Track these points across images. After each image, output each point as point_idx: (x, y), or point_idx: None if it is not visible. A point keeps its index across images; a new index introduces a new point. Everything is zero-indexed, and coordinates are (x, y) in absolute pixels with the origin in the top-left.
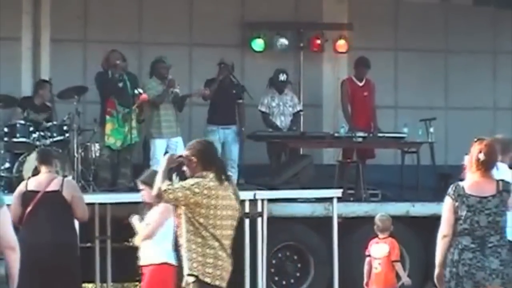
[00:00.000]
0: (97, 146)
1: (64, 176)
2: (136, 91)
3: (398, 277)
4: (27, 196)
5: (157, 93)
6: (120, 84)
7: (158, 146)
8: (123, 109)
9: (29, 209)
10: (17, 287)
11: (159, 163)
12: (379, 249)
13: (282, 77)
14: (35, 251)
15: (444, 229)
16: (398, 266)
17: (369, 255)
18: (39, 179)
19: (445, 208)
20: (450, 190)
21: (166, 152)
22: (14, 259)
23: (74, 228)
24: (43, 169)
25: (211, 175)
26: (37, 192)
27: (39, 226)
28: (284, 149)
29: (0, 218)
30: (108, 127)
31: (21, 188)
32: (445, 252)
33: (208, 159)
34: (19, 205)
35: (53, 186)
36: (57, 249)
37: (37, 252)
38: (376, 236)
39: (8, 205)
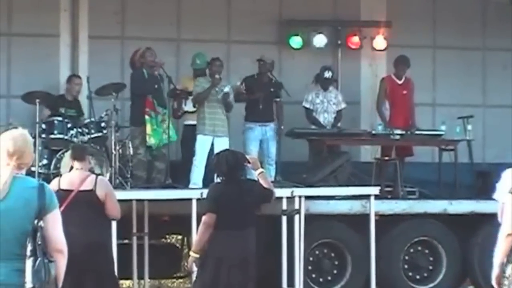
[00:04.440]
0: (133, 144)
1: (98, 174)
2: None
3: None
4: (60, 195)
5: (201, 90)
6: (158, 84)
7: (200, 142)
8: (161, 109)
9: (62, 208)
10: None
11: (199, 160)
12: None
13: (327, 74)
14: (69, 251)
15: (508, 227)
16: None
17: None
18: (72, 177)
19: (509, 206)
20: None
21: (211, 150)
22: (63, 262)
23: (108, 227)
24: (76, 165)
25: None
26: (70, 191)
27: (72, 226)
28: (322, 146)
29: (50, 221)
30: (148, 127)
31: (53, 186)
32: (508, 252)
33: None
34: None
35: (87, 185)
36: (91, 249)
37: (71, 252)
38: None
39: None
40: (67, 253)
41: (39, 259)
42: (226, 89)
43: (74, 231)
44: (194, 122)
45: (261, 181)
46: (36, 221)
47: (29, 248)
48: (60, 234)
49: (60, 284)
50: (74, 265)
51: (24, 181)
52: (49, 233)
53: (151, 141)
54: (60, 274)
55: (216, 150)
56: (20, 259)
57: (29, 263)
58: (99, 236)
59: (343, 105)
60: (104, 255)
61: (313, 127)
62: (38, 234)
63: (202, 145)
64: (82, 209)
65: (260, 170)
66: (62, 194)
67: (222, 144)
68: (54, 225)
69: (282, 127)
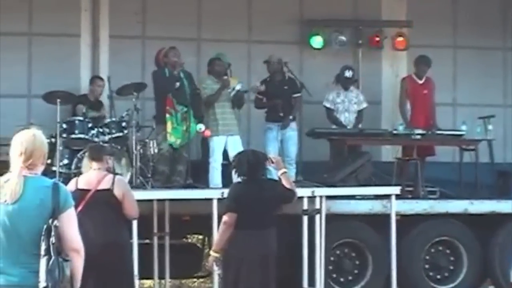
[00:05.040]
0: (154, 143)
1: (116, 174)
2: (198, 128)
3: None
4: (77, 195)
5: (211, 91)
6: (178, 83)
7: (216, 143)
8: (181, 108)
9: (79, 208)
10: None
11: (217, 160)
12: None
13: (348, 73)
14: (85, 251)
15: None
16: None
17: None
18: (90, 177)
19: None
20: None
21: (225, 150)
22: (78, 261)
23: (126, 226)
24: (94, 165)
25: None
26: (88, 190)
27: (89, 225)
28: (342, 146)
29: (66, 219)
30: (169, 125)
31: (71, 186)
32: None
33: None
34: None
35: (104, 185)
36: (108, 249)
37: (88, 252)
38: None
39: None
40: (83, 252)
41: (53, 258)
42: (238, 87)
43: (92, 230)
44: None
45: (284, 181)
46: (50, 220)
47: (43, 247)
48: (75, 233)
49: (78, 283)
50: (92, 264)
51: (38, 181)
52: (64, 232)
53: (171, 139)
54: (77, 273)
55: (229, 149)
56: (37, 260)
57: (43, 262)
58: (116, 236)
59: (364, 105)
60: (122, 254)
61: (333, 126)
62: (52, 233)
63: (218, 146)
64: (100, 208)
65: (283, 170)
66: (80, 193)
67: (235, 142)
68: (69, 224)
69: (291, 117)
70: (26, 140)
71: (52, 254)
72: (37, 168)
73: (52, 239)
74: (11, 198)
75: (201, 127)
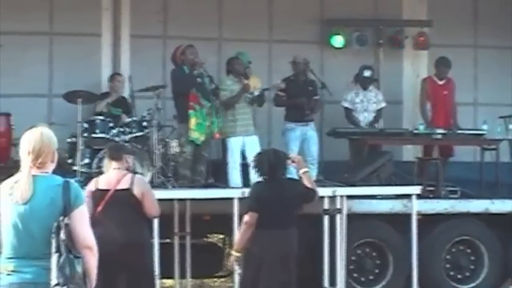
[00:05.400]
0: (176, 142)
1: (139, 173)
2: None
3: None
4: (97, 195)
5: (231, 92)
6: (200, 80)
7: (234, 143)
8: (206, 102)
9: (99, 208)
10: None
11: (236, 161)
12: None
13: (367, 73)
14: (106, 251)
15: None
16: None
17: None
18: (109, 177)
19: None
20: None
21: (242, 150)
22: (93, 258)
23: (146, 226)
24: (113, 165)
25: None
26: (107, 190)
27: (109, 225)
28: (363, 145)
29: (77, 217)
30: (193, 121)
31: (91, 186)
32: None
33: None
34: (90, 203)
35: (123, 184)
36: (129, 248)
37: (108, 252)
38: None
39: None
40: (96, 249)
41: (64, 255)
42: (257, 93)
43: (112, 230)
44: None
45: (305, 181)
46: (61, 218)
47: (53, 244)
48: (87, 230)
49: (93, 281)
50: (112, 264)
51: (48, 180)
52: (76, 230)
53: (194, 135)
54: (91, 271)
55: (247, 150)
56: (50, 258)
57: (53, 259)
58: (137, 235)
59: (383, 104)
60: (142, 254)
61: (352, 126)
62: (62, 230)
63: (236, 146)
64: (119, 208)
65: (304, 169)
66: (99, 194)
67: (253, 142)
68: (81, 221)
69: (308, 112)
70: (33, 139)
71: (62, 251)
72: (47, 167)
73: (62, 236)
74: (21, 198)
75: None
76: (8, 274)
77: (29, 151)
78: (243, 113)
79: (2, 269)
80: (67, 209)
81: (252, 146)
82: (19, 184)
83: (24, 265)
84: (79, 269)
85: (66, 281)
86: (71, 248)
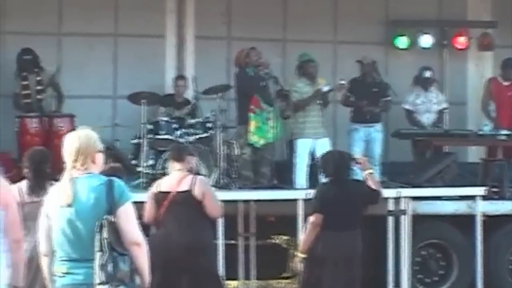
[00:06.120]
0: (238, 143)
1: (198, 174)
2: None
3: None
4: (159, 197)
5: (301, 95)
6: (263, 83)
7: (302, 145)
8: (267, 107)
9: (161, 210)
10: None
11: (303, 162)
12: None
13: (427, 74)
14: (167, 253)
15: None
16: None
17: None
18: (171, 179)
19: None
20: None
21: (312, 152)
22: (142, 254)
23: (208, 227)
24: (176, 166)
25: None
26: (169, 192)
27: (171, 227)
28: (428, 147)
29: (123, 214)
30: (252, 125)
31: (153, 189)
32: None
33: None
34: (153, 206)
35: (184, 186)
36: (190, 250)
37: (169, 253)
38: None
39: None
40: (145, 246)
41: (107, 253)
42: (325, 89)
43: (173, 232)
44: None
45: (370, 182)
46: (104, 216)
47: (96, 243)
48: (134, 227)
49: (145, 277)
50: (173, 265)
51: (91, 180)
52: (122, 227)
53: (253, 138)
54: (143, 267)
55: (318, 152)
56: None
57: (96, 258)
58: (198, 237)
59: (444, 105)
60: (204, 255)
61: (415, 127)
62: (105, 228)
63: (303, 148)
64: (181, 210)
65: (369, 170)
66: (161, 196)
67: (323, 145)
68: (127, 218)
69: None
70: (72, 141)
71: (105, 249)
72: (90, 168)
73: (105, 234)
74: (65, 201)
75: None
76: (62, 276)
77: (69, 153)
78: (313, 116)
79: (56, 271)
80: (112, 208)
81: (323, 148)
82: (62, 187)
83: (76, 266)
84: (124, 266)
85: (109, 279)
86: (116, 246)
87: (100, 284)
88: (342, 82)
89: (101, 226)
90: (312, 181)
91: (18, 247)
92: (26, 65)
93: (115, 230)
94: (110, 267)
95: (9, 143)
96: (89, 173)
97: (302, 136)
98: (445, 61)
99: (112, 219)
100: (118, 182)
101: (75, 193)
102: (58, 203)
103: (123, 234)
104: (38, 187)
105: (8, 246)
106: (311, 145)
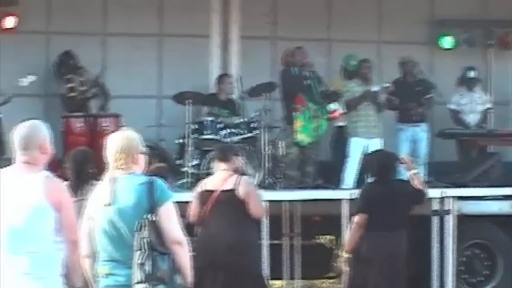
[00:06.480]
0: (284, 143)
1: (243, 174)
2: (329, 107)
3: None
4: (204, 196)
5: (352, 95)
6: (308, 82)
7: (354, 144)
8: (313, 105)
9: (206, 209)
10: (194, 286)
11: (353, 161)
12: None
13: (471, 74)
14: (210, 251)
15: None
16: None
17: None
18: (216, 178)
19: None
20: None
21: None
22: (184, 253)
23: (252, 226)
24: (221, 166)
25: None
26: (214, 191)
27: (215, 226)
28: (473, 146)
29: (164, 214)
30: (297, 124)
31: (199, 188)
32: None
33: None
34: (198, 205)
35: (228, 185)
36: (233, 249)
37: (212, 252)
38: None
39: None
40: (186, 244)
41: (146, 252)
42: (374, 88)
43: (217, 231)
44: (344, 124)
45: (415, 182)
46: (144, 216)
47: (135, 242)
48: (175, 226)
49: (188, 276)
50: (219, 264)
51: (132, 180)
52: (164, 226)
53: (299, 137)
54: (185, 266)
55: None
56: None
57: (135, 257)
58: (241, 236)
59: (488, 105)
60: (247, 254)
61: (460, 127)
62: (144, 228)
63: (356, 147)
64: (225, 209)
65: (414, 170)
66: (206, 195)
67: (375, 145)
68: (168, 217)
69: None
70: (114, 142)
71: (144, 248)
72: (132, 168)
73: (144, 234)
74: (106, 200)
75: (332, 107)
76: (104, 277)
77: (111, 153)
78: (366, 115)
79: (99, 272)
80: (153, 207)
81: (375, 148)
82: (103, 187)
83: (118, 267)
84: (163, 266)
85: (147, 278)
86: (157, 245)
87: (137, 283)
88: (387, 84)
89: (141, 226)
90: (361, 182)
91: (75, 248)
92: (67, 67)
93: (156, 230)
94: (148, 266)
95: (55, 143)
96: (131, 173)
97: (355, 135)
98: (490, 61)
99: (153, 219)
100: (159, 182)
101: (116, 193)
102: (99, 203)
103: (164, 233)
104: (77, 187)
105: (64, 247)
106: (363, 145)
